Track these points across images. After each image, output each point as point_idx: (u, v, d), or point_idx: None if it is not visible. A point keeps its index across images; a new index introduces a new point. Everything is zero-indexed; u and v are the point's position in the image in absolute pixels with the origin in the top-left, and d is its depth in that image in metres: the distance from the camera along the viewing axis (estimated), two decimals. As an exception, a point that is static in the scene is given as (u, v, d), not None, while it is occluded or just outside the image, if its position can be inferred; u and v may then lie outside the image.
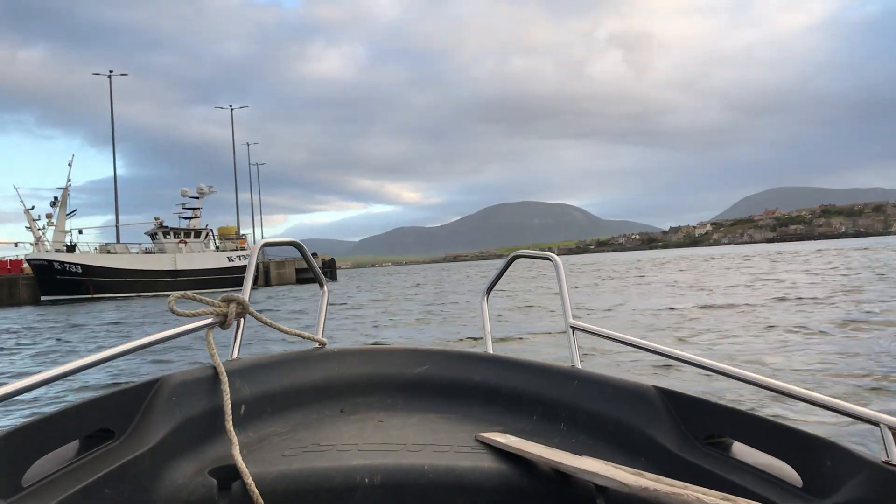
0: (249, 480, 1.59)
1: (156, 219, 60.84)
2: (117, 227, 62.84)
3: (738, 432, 1.67)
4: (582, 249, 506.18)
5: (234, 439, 1.73)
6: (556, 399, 2.08)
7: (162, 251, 58.81)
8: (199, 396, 1.84)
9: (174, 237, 60.15)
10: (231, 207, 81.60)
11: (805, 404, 1.61)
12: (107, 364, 1.82)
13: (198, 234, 61.62)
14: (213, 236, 63.55)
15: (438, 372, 2.32)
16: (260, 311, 2.17)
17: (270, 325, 2.25)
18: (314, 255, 75.29)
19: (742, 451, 1.67)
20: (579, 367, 2.17)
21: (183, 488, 1.64)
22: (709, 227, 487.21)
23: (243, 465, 1.63)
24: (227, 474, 1.66)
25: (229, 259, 61.29)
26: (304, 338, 2.38)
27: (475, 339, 11.25)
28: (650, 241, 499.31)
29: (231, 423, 1.77)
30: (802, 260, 43.43)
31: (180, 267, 58.37)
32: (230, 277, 58.76)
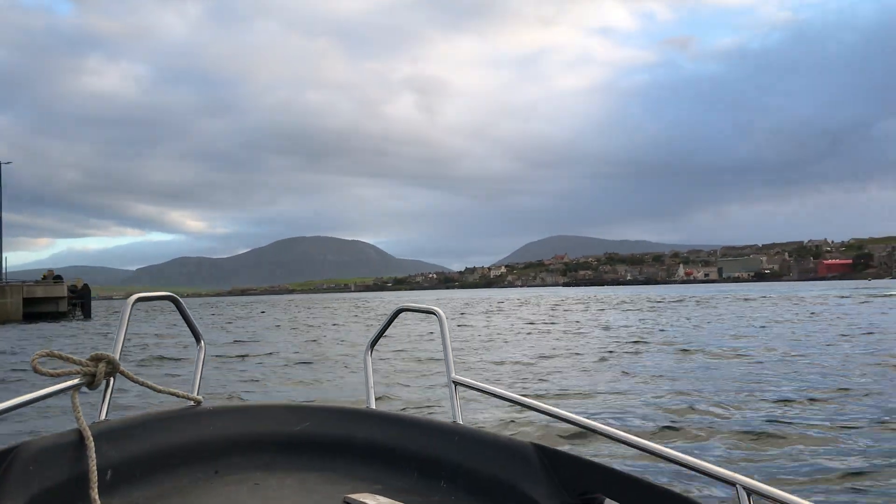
0: None
1: None
2: None
3: (611, 490, 1.71)
4: (379, 287, 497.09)
5: None
6: (436, 456, 2.04)
7: None
8: (61, 463, 1.70)
9: None
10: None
11: (669, 463, 1.66)
12: None
13: None
14: None
15: (319, 429, 2.21)
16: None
17: (142, 384, 2.09)
18: (60, 279, 53.87)
19: None
20: (461, 422, 2.13)
21: None
22: (503, 270, 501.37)
23: None
24: None
25: None
26: (178, 396, 2.17)
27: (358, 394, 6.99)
28: (447, 280, 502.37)
29: (96, 491, 1.64)
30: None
31: None
32: None
